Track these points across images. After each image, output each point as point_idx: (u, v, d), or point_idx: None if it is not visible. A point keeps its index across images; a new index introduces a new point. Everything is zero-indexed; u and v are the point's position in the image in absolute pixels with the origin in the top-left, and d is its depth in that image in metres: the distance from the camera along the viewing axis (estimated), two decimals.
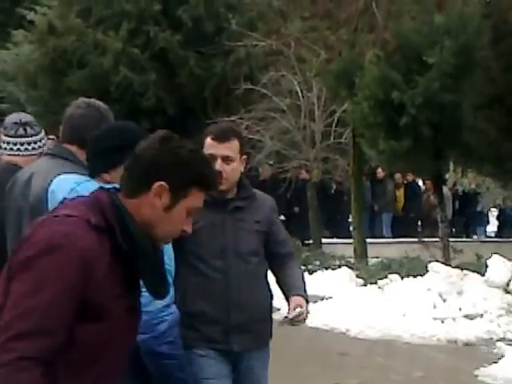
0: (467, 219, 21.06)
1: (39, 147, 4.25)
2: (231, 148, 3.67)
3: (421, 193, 19.98)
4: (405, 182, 19.44)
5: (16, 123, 4.31)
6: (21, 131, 4.26)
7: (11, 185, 3.68)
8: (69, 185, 2.73)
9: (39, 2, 18.93)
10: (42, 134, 4.32)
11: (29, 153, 4.19)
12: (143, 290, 2.74)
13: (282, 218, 19.02)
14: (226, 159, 3.64)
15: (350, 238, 15.56)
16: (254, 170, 17.26)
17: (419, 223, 20.01)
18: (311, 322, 9.83)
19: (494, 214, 22.60)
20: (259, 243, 3.70)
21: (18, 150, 4.22)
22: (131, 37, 17.53)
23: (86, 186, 2.74)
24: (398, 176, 19.01)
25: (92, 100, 3.70)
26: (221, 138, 3.67)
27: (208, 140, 3.71)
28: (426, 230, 18.72)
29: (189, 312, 3.54)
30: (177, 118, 17.22)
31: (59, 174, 3.43)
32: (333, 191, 18.78)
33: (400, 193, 19.48)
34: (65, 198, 2.32)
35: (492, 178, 15.34)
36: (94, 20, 17.87)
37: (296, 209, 17.94)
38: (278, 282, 3.77)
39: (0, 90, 21.31)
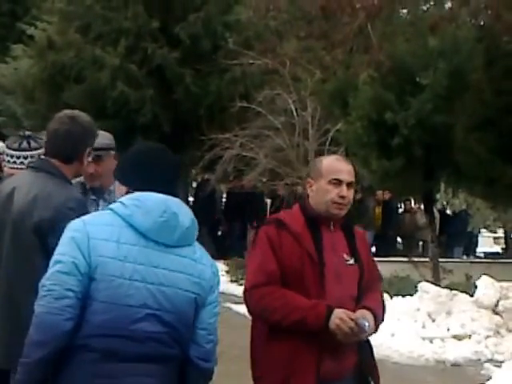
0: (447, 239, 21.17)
1: None
2: None
3: (397, 211, 20.24)
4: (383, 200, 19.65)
5: (20, 136, 4.35)
6: (24, 144, 4.28)
7: None
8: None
9: (39, 17, 19.08)
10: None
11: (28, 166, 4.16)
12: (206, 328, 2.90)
13: None
14: None
15: None
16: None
17: (399, 240, 20.24)
18: None
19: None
20: None
21: (22, 163, 4.23)
22: (129, 53, 17.66)
23: None
24: (379, 193, 19.20)
25: (75, 113, 3.72)
26: None
27: None
28: (408, 249, 18.89)
29: None
30: (171, 134, 17.33)
31: (42, 188, 3.48)
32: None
33: (379, 210, 19.67)
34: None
35: (483, 199, 15.43)
36: (93, 36, 18.01)
37: None
38: None
39: None
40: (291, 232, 3.49)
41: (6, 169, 4.38)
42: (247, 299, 3.49)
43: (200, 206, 17.71)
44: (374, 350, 10.12)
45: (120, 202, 2.82)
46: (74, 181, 4.09)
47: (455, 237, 21.03)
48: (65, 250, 2.72)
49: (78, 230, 2.74)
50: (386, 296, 10.99)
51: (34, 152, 4.26)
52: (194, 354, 2.85)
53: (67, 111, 3.75)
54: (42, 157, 3.82)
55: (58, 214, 3.35)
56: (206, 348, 2.88)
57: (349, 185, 3.60)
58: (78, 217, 2.93)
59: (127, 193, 2.90)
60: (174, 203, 2.82)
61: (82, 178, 4.28)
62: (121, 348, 2.68)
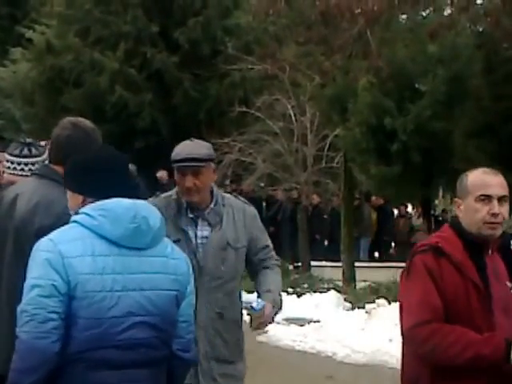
0: None
1: None
2: None
3: (393, 216, 20.30)
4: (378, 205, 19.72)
5: (21, 143, 4.32)
6: (25, 151, 4.26)
7: None
8: None
9: (38, 20, 19.09)
10: (46, 154, 4.22)
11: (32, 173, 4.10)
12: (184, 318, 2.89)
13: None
14: None
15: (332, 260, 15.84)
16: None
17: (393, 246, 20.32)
18: (298, 344, 9.88)
19: None
20: None
21: (22, 170, 4.22)
22: (128, 57, 17.67)
23: None
24: (373, 199, 19.24)
25: (78, 120, 3.69)
26: None
27: None
28: (401, 254, 18.91)
29: None
30: (170, 139, 17.32)
31: (45, 195, 3.47)
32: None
33: (375, 216, 19.73)
34: None
35: None
36: (92, 40, 18.02)
37: (271, 229, 18.32)
38: None
39: None
40: (452, 261, 3.15)
41: (5, 175, 4.36)
42: (411, 338, 3.17)
43: None
44: (372, 355, 10.08)
45: (84, 212, 2.76)
46: (164, 196, 3.89)
47: None
48: (40, 273, 2.66)
49: (50, 251, 2.68)
50: (384, 302, 11.06)
51: (34, 159, 4.25)
52: (177, 347, 2.86)
53: (70, 118, 3.73)
54: (46, 163, 3.80)
55: (59, 220, 3.32)
56: (186, 339, 2.90)
57: (501, 199, 3.17)
58: None
59: (84, 201, 2.84)
60: (142, 206, 2.79)
61: (174, 193, 3.86)
62: (112, 357, 2.68)
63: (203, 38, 17.90)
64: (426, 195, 13.16)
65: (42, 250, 2.70)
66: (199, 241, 3.77)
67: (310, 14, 14.06)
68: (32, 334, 2.62)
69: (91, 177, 2.84)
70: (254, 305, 3.77)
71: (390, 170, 11.82)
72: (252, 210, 4.04)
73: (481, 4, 12.96)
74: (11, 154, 4.31)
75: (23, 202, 3.50)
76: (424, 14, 13.90)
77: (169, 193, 3.87)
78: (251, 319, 3.76)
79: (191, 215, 3.79)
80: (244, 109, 16.21)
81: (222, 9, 18.52)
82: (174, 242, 3.31)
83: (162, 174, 15.36)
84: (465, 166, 11.57)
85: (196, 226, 3.79)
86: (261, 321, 3.78)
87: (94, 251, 2.69)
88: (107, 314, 2.66)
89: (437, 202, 18.96)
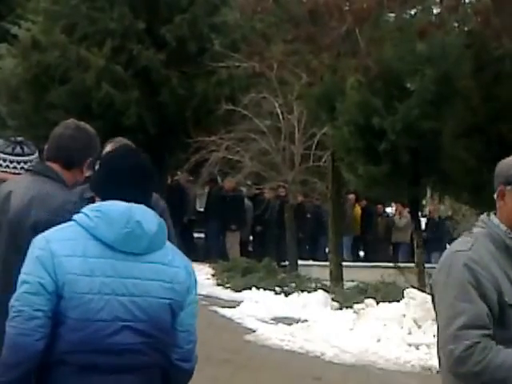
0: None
1: None
2: None
3: (376, 215, 20.37)
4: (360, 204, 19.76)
5: (12, 141, 4.34)
6: (18, 149, 4.28)
7: None
8: None
9: (24, 16, 18.93)
10: (37, 153, 4.32)
11: (24, 171, 4.15)
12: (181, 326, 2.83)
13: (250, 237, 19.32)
14: None
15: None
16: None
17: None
18: (286, 344, 9.83)
19: None
20: None
21: (14, 168, 4.23)
22: (114, 54, 17.55)
23: None
24: (351, 197, 19.28)
25: (82, 123, 3.79)
26: None
27: None
28: (379, 252, 18.97)
29: None
30: (157, 137, 17.24)
31: (40, 190, 3.49)
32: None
33: (358, 214, 19.75)
34: None
35: (469, 206, 15.45)
36: (78, 36, 17.89)
37: (258, 228, 18.27)
38: None
39: None
40: None
41: None
42: None
43: (170, 207, 17.57)
44: (360, 356, 10.02)
45: (83, 212, 2.76)
46: (485, 235, 2.82)
47: (434, 242, 21.14)
48: (30, 270, 2.68)
49: (42, 249, 2.69)
50: (372, 302, 11.03)
51: (27, 157, 4.25)
52: (176, 357, 2.84)
53: (74, 120, 3.83)
54: (40, 161, 3.86)
55: (56, 216, 3.31)
56: (185, 349, 2.86)
57: None
58: None
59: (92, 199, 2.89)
60: (138, 210, 2.74)
61: (499, 227, 2.81)
62: (99, 362, 2.66)
63: (190, 36, 17.80)
64: (414, 195, 13.13)
65: (35, 246, 2.72)
66: None
67: (298, 11, 14.02)
68: (17, 329, 2.63)
69: (105, 180, 2.85)
70: None
71: (378, 170, 11.79)
72: None
73: (470, 3, 12.95)
74: (3, 152, 4.31)
75: (17, 197, 3.52)
76: (412, 12, 13.87)
77: (479, 230, 2.87)
78: None
79: None
80: (231, 107, 16.14)
81: (208, 6, 18.42)
82: None
83: None
84: (453, 166, 11.65)
85: None
86: None
87: (86, 252, 2.68)
88: (95, 316, 2.65)
89: (424, 202, 18.97)
